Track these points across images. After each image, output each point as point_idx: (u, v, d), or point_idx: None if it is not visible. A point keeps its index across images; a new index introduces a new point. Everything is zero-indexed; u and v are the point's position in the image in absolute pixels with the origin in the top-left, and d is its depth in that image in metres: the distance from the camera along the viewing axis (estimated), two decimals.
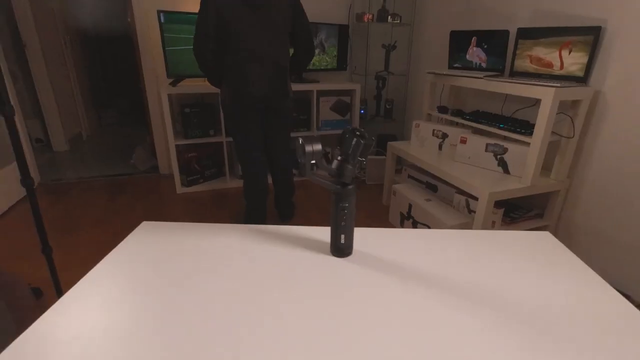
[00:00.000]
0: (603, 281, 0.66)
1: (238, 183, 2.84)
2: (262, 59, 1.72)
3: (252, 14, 1.67)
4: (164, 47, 2.39)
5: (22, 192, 2.57)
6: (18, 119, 2.65)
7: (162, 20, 2.33)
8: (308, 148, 0.59)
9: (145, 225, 0.81)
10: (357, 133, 0.60)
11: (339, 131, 3.04)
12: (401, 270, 0.66)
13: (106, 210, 2.41)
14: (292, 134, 2.73)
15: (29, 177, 1.18)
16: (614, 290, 0.63)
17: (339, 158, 0.62)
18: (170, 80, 2.57)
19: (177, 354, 0.48)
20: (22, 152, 1.15)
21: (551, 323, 0.55)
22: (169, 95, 2.55)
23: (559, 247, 0.76)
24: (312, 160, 0.59)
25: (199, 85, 2.55)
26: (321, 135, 3.05)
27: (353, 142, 0.59)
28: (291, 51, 1.89)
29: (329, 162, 2.84)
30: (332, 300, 0.58)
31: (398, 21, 2.84)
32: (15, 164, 2.54)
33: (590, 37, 1.62)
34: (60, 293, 1.38)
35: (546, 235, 0.81)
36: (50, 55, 3.57)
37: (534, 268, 0.69)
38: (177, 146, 2.59)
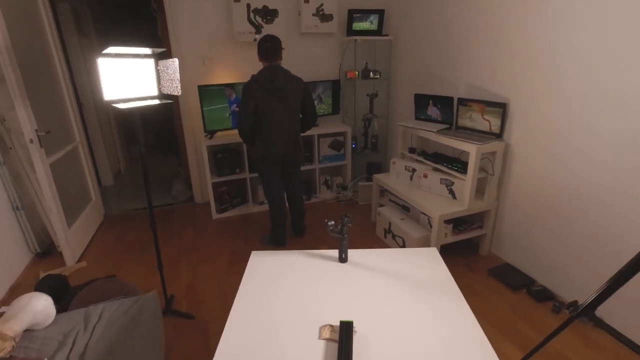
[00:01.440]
0: (456, 287, 1.45)
1: (259, 208, 3.64)
2: (283, 130, 2.55)
3: (278, 102, 2.49)
4: (202, 111, 3.21)
5: (98, 222, 3.35)
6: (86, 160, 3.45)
7: (200, 92, 3.15)
8: (330, 223, 1.39)
9: (254, 254, 1.59)
10: (346, 219, 1.40)
11: (336, 163, 3.87)
12: (367, 267, 1.46)
13: (166, 232, 3.20)
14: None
15: (154, 223, 1.98)
16: (466, 306, 1.42)
17: (338, 229, 1.42)
18: (206, 134, 3.38)
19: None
20: (148, 193, 1.94)
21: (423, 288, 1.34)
22: (207, 146, 3.36)
23: (438, 260, 1.54)
24: (330, 228, 1.39)
25: (228, 136, 3.37)
26: (321, 167, 3.86)
27: (345, 221, 1.40)
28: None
29: (329, 187, 3.66)
30: (341, 280, 1.37)
31: (378, 76, 3.68)
32: (89, 205, 3.33)
33: (501, 109, 2.46)
34: (166, 294, 2.17)
35: (433, 251, 1.59)
36: (99, 109, 4.38)
37: (419, 270, 1.49)
38: (212, 183, 3.39)
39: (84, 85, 4.12)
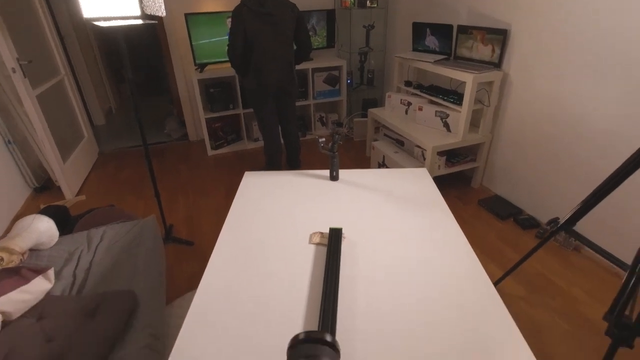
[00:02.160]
0: (441, 199, 1.49)
1: (254, 145, 3.63)
2: (275, 59, 2.45)
3: (268, 27, 2.37)
4: (191, 42, 3.06)
5: (93, 159, 3.36)
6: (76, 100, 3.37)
7: (188, 20, 2.97)
8: (321, 140, 1.39)
9: (247, 174, 1.62)
10: (337, 136, 1.40)
11: (331, 99, 3.79)
12: (357, 184, 1.50)
13: (161, 169, 3.22)
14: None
15: (148, 154, 1.98)
16: (451, 215, 1.46)
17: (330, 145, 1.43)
18: (197, 67, 3.26)
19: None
20: (142, 131, 1.93)
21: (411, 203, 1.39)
22: (198, 80, 3.25)
23: (429, 180, 1.59)
24: (321, 145, 1.40)
25: (220, 70, 3.25)
26: (316, 103, 3.79)
27: (335, 138, 1.40)
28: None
29: (324, 124, 3.63)
30: (332, 196, 1.41)
31: (375, 5, 3.47)
32: (82, 142, 3.31)
33: (501, 36, 2.36)
34: (165, 223, 2.24)
35: (423, 171, 1.62)
36: (82, 42, 4.16)
37: (410, 188, 1.52)
38: (206, 119, 3.34)
39: (62, 13, 3.87)
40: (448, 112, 2.61)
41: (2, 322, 1.19)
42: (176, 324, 1.63)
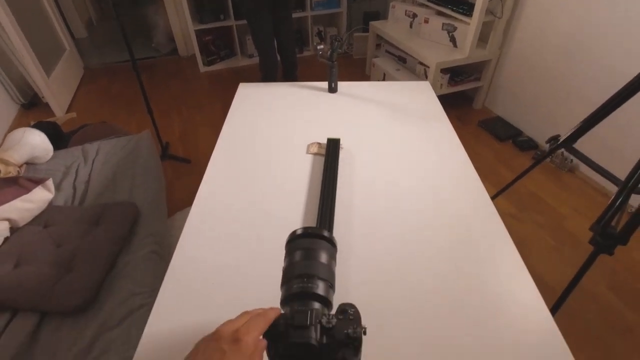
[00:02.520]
0: (441, 108, 1.42)
1: (249, 61, 3.43)
2: None
3: None
4: None
5: (79, 74, 3.19)
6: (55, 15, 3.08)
7: None
8: (320, 47, 1.29)
9: (242, 86, 1.51)
10: (336, 43, 1.28)
11: (330, 10, 3.49)
12: (357, 97, 1.43)
13: (151, 85, 3.09)
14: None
15: (138, 73, 1.86)
16: (448, 122, 1.38)
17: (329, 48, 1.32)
18: None
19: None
20: (129, 45, 1.80)
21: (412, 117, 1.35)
22: None
23: (430, 93, 1.48)
24: (319, 52, 1.30)
25: None
26: (314, 15, 3.49)
27: (335, 46, 1.29)
28: None
29: (323, 39, 3.40)
30: (330, 107, 1.36)
31: None
32: (65, 55, 3.10)
33: None
34: (160, 140, 2.21)
35: (425, 84, 1.52)
36: None
37: (411, 100, 1.45)
38: (195, 31, 3.09)
39: None
40: (456, 24, 2.42)
41: (10, 228, 1.23)
42: (178, 235, 1.70)
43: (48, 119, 2.51)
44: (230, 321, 0.42)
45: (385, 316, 0.66)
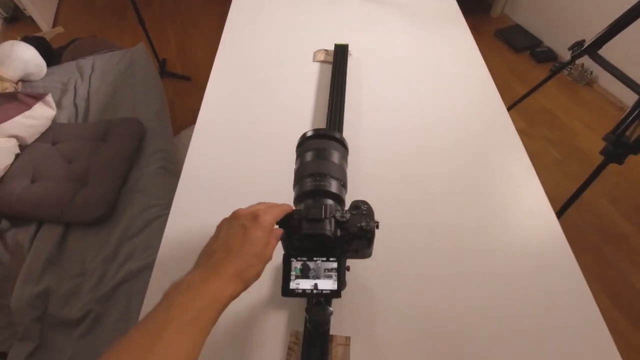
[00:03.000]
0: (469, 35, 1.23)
1: None
2: None
3: None
4: None
5: None
6: None
7: None
8: None
9: None
10: None
11: None
12: None
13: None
14: None
15: None
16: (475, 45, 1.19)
17: None
18: None
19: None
20: None
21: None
22: None
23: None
24: None
25: None
26: None
27: None
28: None
29: None
30: (338, 10, 1.23)
31: None
32: None
33: None
34: (157, 57, 2.10)
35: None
36: None
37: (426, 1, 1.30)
38: None
39: None
40: None
41: (19, 146, 1.23)
42: (185, 153, 1.71)
43: (35, 34, 2.37)
44: (246, 207, 0.43)
45: (396, 215, 0.68)
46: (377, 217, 0.46)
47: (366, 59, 0.99)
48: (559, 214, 1.23)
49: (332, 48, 0.99)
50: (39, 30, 2.51)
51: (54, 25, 2.62)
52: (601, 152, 1.09)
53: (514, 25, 2.47)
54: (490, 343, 0.55)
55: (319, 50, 1.00)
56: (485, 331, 0.56)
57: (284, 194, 0.52)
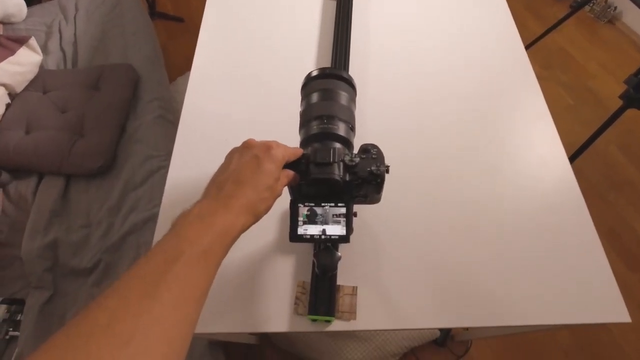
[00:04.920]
0: None
1: None
2: None
3: None
4: None
5: None
6: None
7: None
8: None
9: None
10: None
11: None
12: None
13: None
14: None
15: None
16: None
17: None
18: None
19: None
20: None
21: None
22: None
23: None
24: None
25: None
26: None
27: None
28: None
29: None
30: None
31: None
32: None
33: None
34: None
35: None
36: None
37: None
38: None
39: None
40: None
41: (9, 95, 1.18)
42: (183, 100, 1.65)
43: None
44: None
45: (404, 161, 0.65)
46: (386, 162, 0.43)
47: None
48: (570, 160, 1.21)
49: None
50: None
51: None
52: (620, 97, 1.03)
53: None
54: (498, 289, 0.55)
55: None
56: (494, 279, 0.56)
57: (288, 142, 0.49)
